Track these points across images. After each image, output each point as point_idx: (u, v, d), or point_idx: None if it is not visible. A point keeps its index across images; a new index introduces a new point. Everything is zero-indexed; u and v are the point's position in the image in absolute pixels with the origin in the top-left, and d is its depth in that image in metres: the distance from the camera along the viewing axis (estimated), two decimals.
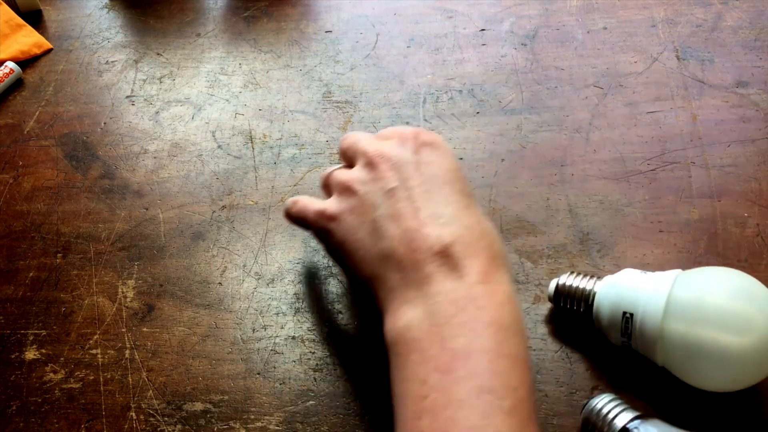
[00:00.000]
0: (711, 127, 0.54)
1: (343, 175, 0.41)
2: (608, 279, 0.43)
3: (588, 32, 0.62)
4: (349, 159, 0.42)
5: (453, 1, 0.67)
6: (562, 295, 0.44)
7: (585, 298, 0.43)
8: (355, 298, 0.48)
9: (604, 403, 0.39)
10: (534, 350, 0.44)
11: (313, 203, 0.43)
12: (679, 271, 0.40)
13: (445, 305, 0.33)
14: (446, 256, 0.34)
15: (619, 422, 0.37)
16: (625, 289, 0.41)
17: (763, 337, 0.36)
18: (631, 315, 0.40)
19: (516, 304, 0.34)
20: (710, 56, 0.59)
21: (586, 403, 0.40)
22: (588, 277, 0.44)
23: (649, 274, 0.41)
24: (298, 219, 0.44)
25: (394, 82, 0.61)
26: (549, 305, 0.46)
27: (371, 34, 0.65)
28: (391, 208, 0.37)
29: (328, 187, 0.43)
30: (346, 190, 0.40)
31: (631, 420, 0.37)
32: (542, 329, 0.45)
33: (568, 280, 0.44)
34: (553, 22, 0.64)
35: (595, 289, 0.43)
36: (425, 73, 0.61)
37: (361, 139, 0.42)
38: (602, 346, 0.43)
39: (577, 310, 0.44)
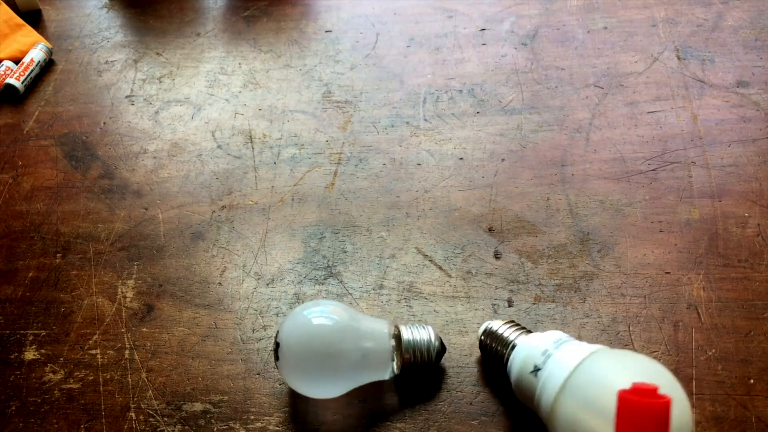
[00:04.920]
0: (711, 127, 0.54)
1: None
2: (528, 338, 0.40)
3: (588, 32, 0.62)
4: None
5: (453, 0, 0.67)
6: (489, 337, 0.42)
7: (504, 348, 0.41)
8: (354, 299, 0.48)
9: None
10: None
11: None
12: (598, 347, 0.37)
13: None
14: None
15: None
16: (537, 350, 0.38)
17: None
18: (537, 375, 0.37)
19: None
20: (711, 56, 0.59)
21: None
22: (517, 330, 0.42)
23: (572, 342, 0.38)
24: None
25: (394, 82, 0.61)
26: (549, 305, 0.46)
27: (371, 33, 0.65)
28: None
29: None
30: None
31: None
32: (542, 329, 0.45)
33: (498, 326, 0.42)
34: (554, 21, 0.64)
35: (512, 338, 0.41)
36: (425, 72, 0.61)
37: None
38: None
39: (497, 357, 0.42)
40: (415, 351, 0.41)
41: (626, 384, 0.31)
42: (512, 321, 0.43)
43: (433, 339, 0.42)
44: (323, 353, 0.39)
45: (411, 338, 0.41)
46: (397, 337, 0.41)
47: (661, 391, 0.31)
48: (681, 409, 0.33)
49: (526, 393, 0.38)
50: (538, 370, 0.38)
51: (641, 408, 0.28)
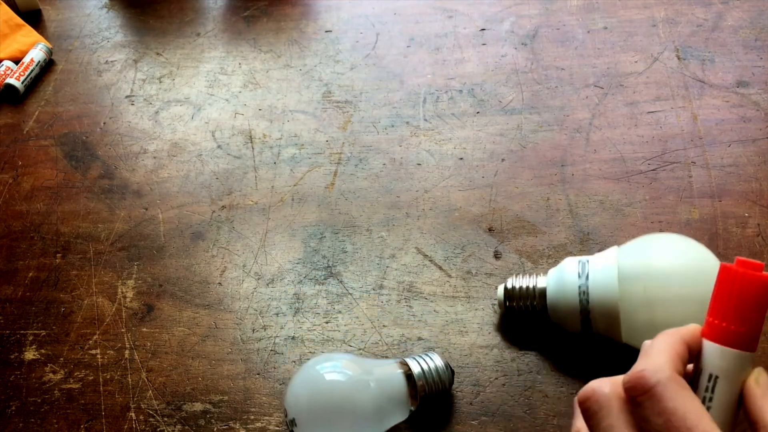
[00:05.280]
0: (711, 127, 0.54)
1: None
2: (553, 271, 0.43)
3: (588, 32, 0.62)
4: None
5: (453, 0, 0.67)
6: (513, 297, 0.44)
7: (534, 296, 0.43)
8: (354, 299, 0.48)
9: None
10: (534, 350, 0.44)
11: None
12: (615, 246, 0.42)
13: None
14: None
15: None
16: (573, 275, 0.41)
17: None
18: (586, 294, 0.40)
19: None
20: (711, 56, 0.59)
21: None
22: (532, 275, 0.44)
23: (589, 256, 0.42)
24: None
25: (394, 82, 0.61)
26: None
27: (371, 33, 0.65)
28: None
29: None
30: None
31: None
32: (542, 329, 0.45)
33: (516, 282, 0.44)
34: (554, 21, 0.64)
35: (542, 285, 0.43)
36: (425, 72, 0.61)
37: None
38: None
39: (528, 310, 0.44)
40: (428, 383, 0.40)
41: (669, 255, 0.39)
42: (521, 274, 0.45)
43: (442, 366, 0.41)
44: (340, 413, 0.38)
45: (421, 371, 0.40)
46: (408, 374, 0.40)
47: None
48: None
49: (574, 308, 0.41)
50: (584, 276, 0.41)
51: (746, 278, 0.28)
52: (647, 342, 0.30)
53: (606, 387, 0.29)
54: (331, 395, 0.38)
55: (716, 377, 0.29)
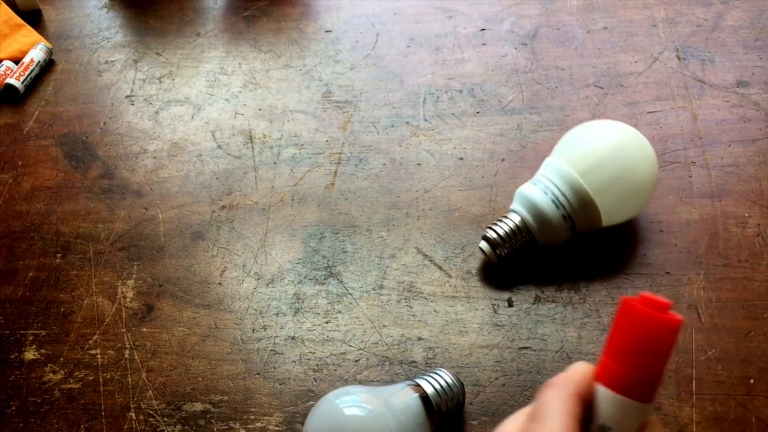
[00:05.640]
0: (711, 127, 0.54)
1: None
2: (518, 207, 0.46)
3: (588, 32, 0.62)
4: None
5: (453, 0, 0.67)
6: (499, 245, 0.46)
7: (520, 231, 0.46)
8: (354, 299, 0.48)
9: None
10: (534, 350, 0.44)
11: None
12: (547, 158, 0.47)
13: None
14: None
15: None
16: (539, 196, 0.45)
17: (653, 163, 0.45)
18: (561, 202, 0.44)
19: None
20: (711, 56, 0.59)
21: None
22: (502, 221, 0.47)
23: (530, 183, 0.46)
24: None
25: (394, 82, 0.61)
26: (549, 305, 0.46)
27: (371, 33, 0.65)
28: None
29: None
30: None
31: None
32: (542, 329, 0.45)
33: (495, 232, 0.46)
34: (554, 21, 0.64)
35: (517, 221, 0.46)
36: (425, 72, 0.61)
37: None
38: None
39: (520, 247, 0.47)
40: (444, 401, 0.40)
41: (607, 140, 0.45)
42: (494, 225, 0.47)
43: (453, 381, 0.41)
44: None
45: (435, 392, 0.40)
46: (423, 396, 0.40)
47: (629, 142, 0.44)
48: (651, 164, 0.45)
49: (559, 220, 0.45)
50: (549, 192, 0.45)
51: (648, 319, 0.24)
52: (540, 397, 0.27)
53: None
54: (351, 430, 0.38)
55: (609, 429, 0.26)
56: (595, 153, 0.45)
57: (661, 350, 0.25)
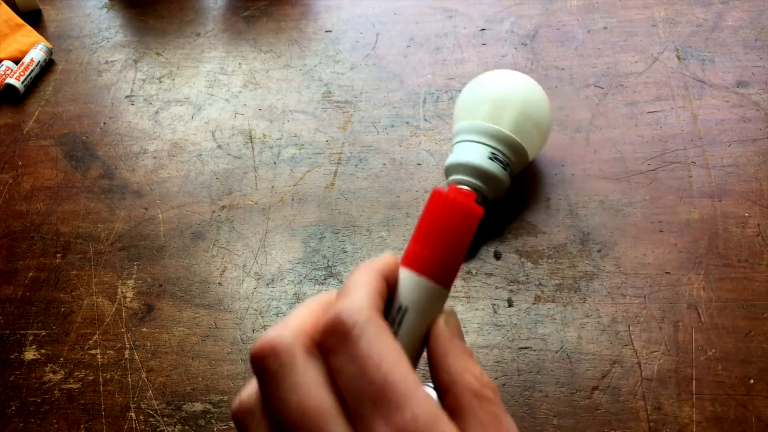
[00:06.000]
0: (711, 127, 0.54)
1: None
2: (456, 175, 0.48)
3: (588, 32, 0.62)
4: None
5: (453, 0, 0.67)
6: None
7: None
8: None
9: None
10: (534, 350, 0.44)
11: None
12: (456, 123, 0.50)
13: None
14: None
15: None
16: (476, 156, 0.47)
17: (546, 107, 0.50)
18: (499, 157, 0.48)
19: None
20: (711, 56, 0.59)
21: None
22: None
23: (454, 152, 0.49)
24: None
25: (394, 82, 0.61)
26: (549, 305, 0.46)
27: (371, 33, 0.65)
28: None
29: None
30: None
31: None
32: (542, 329, 0.45)
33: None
34: (554, 21, 0.64)
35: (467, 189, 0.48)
36: (425, 72, 0.61)
37: None
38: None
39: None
40: None
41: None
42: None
43: None
44: None
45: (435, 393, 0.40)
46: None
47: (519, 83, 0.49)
48: (542, 102, 0.49)
49: (502, 173, 0.48)
50: (483, 152, 0.48)
51: (455, 205, 0.26)
52: (347, 278, 0.26)
53: (287, 336, 0.23)
54: None
55: (405, 309, 0.26)
56: (502, 102, 0.49)
57: (461, 235, 0.27)
